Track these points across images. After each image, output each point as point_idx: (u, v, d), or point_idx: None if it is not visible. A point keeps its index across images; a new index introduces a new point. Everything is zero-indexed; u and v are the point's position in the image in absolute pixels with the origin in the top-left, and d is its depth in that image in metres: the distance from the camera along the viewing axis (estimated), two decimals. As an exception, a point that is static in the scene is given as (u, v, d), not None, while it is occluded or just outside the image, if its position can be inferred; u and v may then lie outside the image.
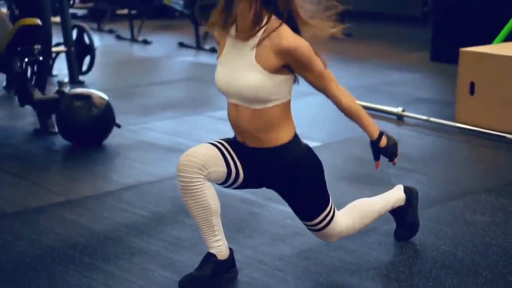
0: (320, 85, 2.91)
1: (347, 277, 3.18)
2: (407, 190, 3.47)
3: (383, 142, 3.07)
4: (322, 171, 3.07)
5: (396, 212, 3.46)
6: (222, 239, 3.06)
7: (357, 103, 3.01)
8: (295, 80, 2.95)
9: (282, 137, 2.95)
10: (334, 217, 3.12)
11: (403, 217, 3.47)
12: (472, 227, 3.70)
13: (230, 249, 3.13)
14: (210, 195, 2.96)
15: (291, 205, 3.12)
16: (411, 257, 3.36)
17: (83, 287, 3.07)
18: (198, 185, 2.92)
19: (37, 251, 3.41)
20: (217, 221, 3.02)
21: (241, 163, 3.01)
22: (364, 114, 3.01)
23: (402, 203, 3.44)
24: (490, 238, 3.57)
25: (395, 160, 3.14)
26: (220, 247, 3.06)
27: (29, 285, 3.08)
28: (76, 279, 3.14)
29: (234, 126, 3.00)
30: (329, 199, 3.10)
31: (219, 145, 3.01)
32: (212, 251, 3.05)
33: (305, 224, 3.15)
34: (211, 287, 3.04)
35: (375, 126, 3.06)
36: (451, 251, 3.42)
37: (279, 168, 3.00)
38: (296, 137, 3.00)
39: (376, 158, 3.12)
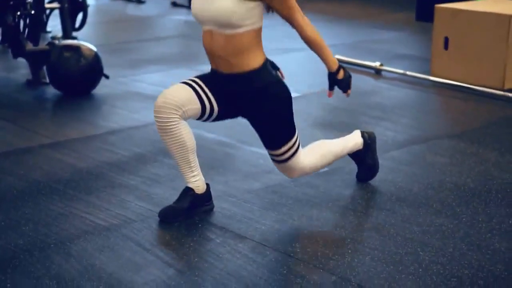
0: (286, 15, 3.13)
1: (308, 208, 3.45)
2: (364, 135, 3.72)
3: (341, 74, 3.31)
4: (290, 101, 3.28)
5: (355, 155, 3.72)
6: (199, 175, 3.33)
7: (320, 36, 3.21)
8: (269, 9, 3.15)
9: (253, 63, 3.17)
10: (298, 151, 3.37)
11: (362, 160, 3.72)
12: (431, 167, 3.97)
13: (207, 184, 3.38)
14: (186, 133, 3.22)
15: (259, 132, 3.34)
16: (369, 192, 3.63)
17: (65, 214, 3.35)
18: (174, 124, 3.18)
19: (24, 184, 3.68)
20: (193, 158, 3.28)
21: (215, 97, 3.25)
22: (325, 46, 3.22)
23: (361, 147, 3.70)
24: (445, 176, 3.83)
25: (349, 91, 3.36)
26: (197, 182, 3.32)
27: (16, 212, 3.36)
28: (59, 207, 3.41)
29: (209, 52, 3.22)
30: (295, 130, 3.33)
31: (192, 83, 3.25)
32: (189, 185, 3.32)
33: (271, 154, 3.37)
34: (188, 217, 3.31)
35: (334, 59, 3.29)
36: (407, 187, 3.69)
37: (249, 93, 3.21)
38: (266, 65, 3.22)
39: (331, 88, 3.35)
